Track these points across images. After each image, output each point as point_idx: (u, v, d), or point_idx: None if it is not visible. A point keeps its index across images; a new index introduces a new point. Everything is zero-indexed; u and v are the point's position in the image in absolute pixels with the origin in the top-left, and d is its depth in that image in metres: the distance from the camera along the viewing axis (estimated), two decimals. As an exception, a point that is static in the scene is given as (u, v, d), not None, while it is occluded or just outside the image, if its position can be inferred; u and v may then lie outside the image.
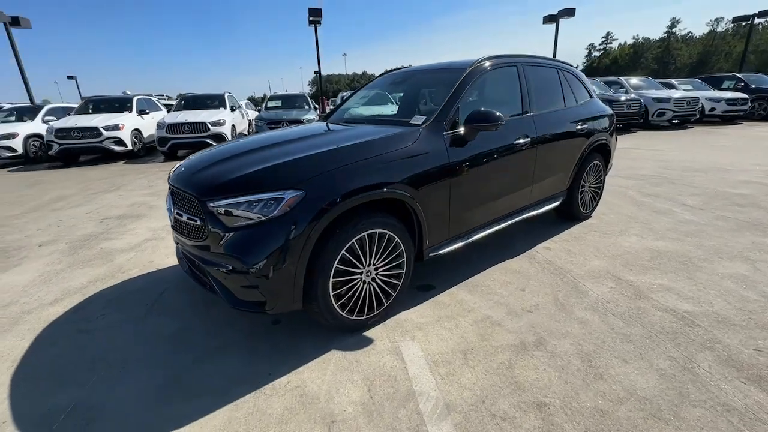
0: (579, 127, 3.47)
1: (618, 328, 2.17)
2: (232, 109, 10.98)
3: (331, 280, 1.99)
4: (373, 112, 3.53)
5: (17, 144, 9.63)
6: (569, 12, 17.67)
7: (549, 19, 18.39)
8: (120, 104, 10.68)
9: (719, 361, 1.88)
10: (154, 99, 12.40)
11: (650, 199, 4.60)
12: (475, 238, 2.76)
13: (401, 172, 2.19)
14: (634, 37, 72.69)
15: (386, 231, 2.15)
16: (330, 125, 3.00)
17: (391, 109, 3.90)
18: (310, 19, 14.35)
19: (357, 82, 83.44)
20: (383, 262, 2.22)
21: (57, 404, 1.78)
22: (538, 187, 3.22)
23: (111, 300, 2.72)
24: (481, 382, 1.80)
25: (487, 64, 2.90)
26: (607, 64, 71.83)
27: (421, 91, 3.29)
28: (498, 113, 2.46)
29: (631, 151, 8.02)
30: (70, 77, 33.33)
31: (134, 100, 10.83)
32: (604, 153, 3.98)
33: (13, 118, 10.77)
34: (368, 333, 2.22)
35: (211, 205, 1.90)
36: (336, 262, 1.98)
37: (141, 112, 10.63)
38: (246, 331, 2.28)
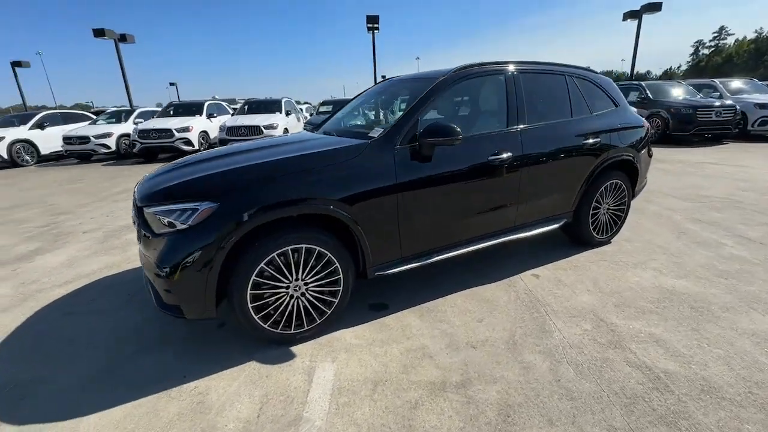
0: (589, 141, 3.05)
1: (565, 380, 1.86)
2: (287, 114, 11.67)
3: (249, 291, 2.00)
4: (357, 122, 3.49)
5: (111, 142, 11.31)
6: (654, 7, 15.54)
7: (630, 15, 16.38)
8: (194, 108, 11.98)
9: (672, 444, 1.51)
10: (224, 104, 13.68)
11: (699, 226, 3.87)
12: (436, 259, 2.58)
13: (337, 187, 2.13)
14: (756, 31, 61.98)
15: (315, 246, 2.11)
16: (300, 135, 3.03)
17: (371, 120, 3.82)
18: (368, 25, 14.70)
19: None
20: (314, 278, 2.17)
21: (8, 379, 2.04)
22: (528, 207, 2.90)
23: (105, 287, 3.06)
24: (373, 420, 1.67)
25: (464, 73, 2.69)
26: (719, 63, 62.29)
27: (394, 101, 3.17)
28: (455, 128, 2.27)
29: (707, 167, 6.83)
30: (171, 84, 38.46)
31: (205, 105, 12.06)
32: (628, 171, 3.45)
33: (113, 120, 12.68)
34: (295, 348, 2.19)
35: (146, 211, 2.03)
36: (254, 274, 1.98)
37: (210, 116, 11.82)
38: (193, 331, 2.40)
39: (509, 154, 2.65)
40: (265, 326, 2.10)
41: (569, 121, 3.08)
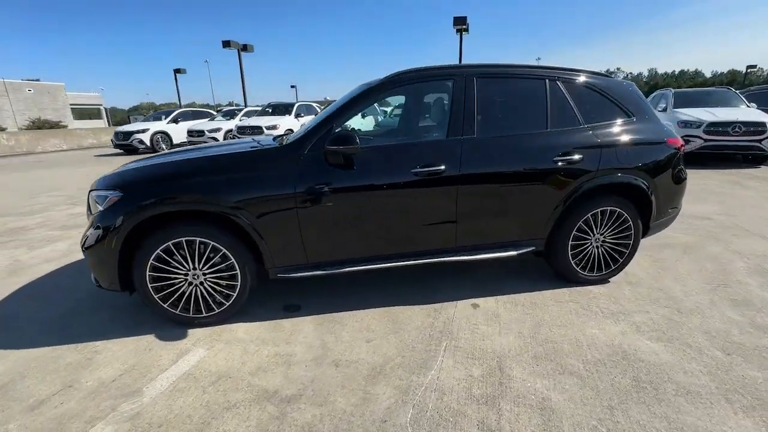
0: (566, 157, 2.56)
1: (392, 424, 1.66)
2: (297, 116, 12.80)
3: (148, 273, 2.27)
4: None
5: (220, 135, 13.42)
6: None
7: None
8: (286, 109, 13.43)
9: None
10: (315, 105, 14.98)
11: (759, 280, 2.88)
12: (351, 269, 2.50)
13: (236, 189, 2.26)
14: None
15: (209, 241, 2.27)
16: (244, 140, 3.24)
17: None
18: (456, 27, 14.27)
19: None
20: (211, 270, 2.34)
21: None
22: (473, 227, 2.58)
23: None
24: (186, 410, 1.76)
25: (399, 79, 2.53)
26: None
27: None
28: (353, 136, 2.19)
29: None
30: (292, 86, 44.06)
31: (295, 105, 13.40)
32: (635, 198, 2.78)
33: (227, 117, 15.01)
34: (191, 330, 2.40)
35: (90, 194, 2.47)
36: (152, 258, 2.25)
37: (297, 115, 13.09)
38: (136, 302, 2.78)
39: (442, 167, 2.41)
40: (165, 306, 2.35)
41: (539, 133, 2.63)
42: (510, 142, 2.58)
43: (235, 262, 2.34)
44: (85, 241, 2.27)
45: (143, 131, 13.47)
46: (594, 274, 2.86)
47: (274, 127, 11.91)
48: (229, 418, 1.70)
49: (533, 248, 2.73)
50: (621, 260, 2.88)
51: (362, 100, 2.50)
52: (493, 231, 2.65)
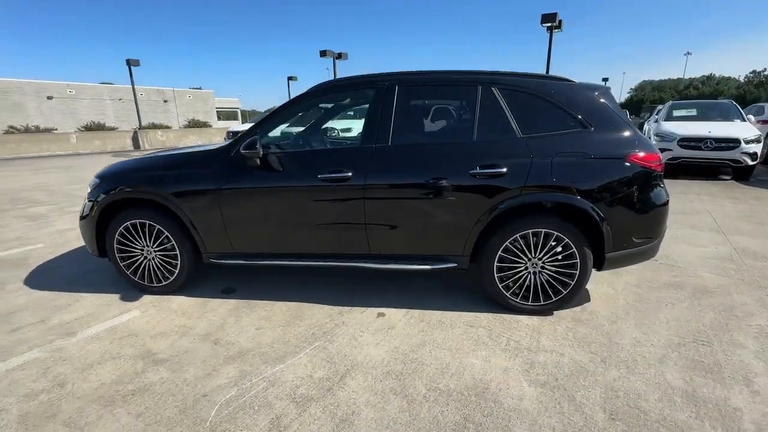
0: (484, 170, 2.35)
1: (217, 400, 1.85)
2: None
3: (115, 245, 2.87)
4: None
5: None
6: None
7: None
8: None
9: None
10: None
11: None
12: (269, 263, 2.74)
13: (176, 182, 2.70)
14: None
15: (155, 224, 2.77)
16: (213, 143, 3.69)
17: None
18: (546, 25, 12.87)
19: (693, 89, 63.76)
20: (158, 248, 2.84)
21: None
22: (386, 236, 2.56)
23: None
24: (82, 353, 2.24)
25: (324, 88, 2.66)
26: None
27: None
28: (254, 142, 2.44)
29: None
30: None
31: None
32: (581, 222, 2.39)
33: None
34: (145, 296, 2.93)
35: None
36: (117, 234, 2.83)
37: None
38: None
39: (349, 174, 2.47)
40: (127, 273, 2.93)
41: (458, 143, 2.48)
42: (422, 152, 2.49)
43: (175, 245, 2.80)
44: (80, 214, 2.99)
45: (247, 130, 15.76)
46: (529, 304, 2.54)
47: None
48: (108, 365, 2.12)
49: (454, 265, 2.57)
50: (564, 292, 2.50)
51: (286, 109, 2.71)
52: (406, 242, 2.58)
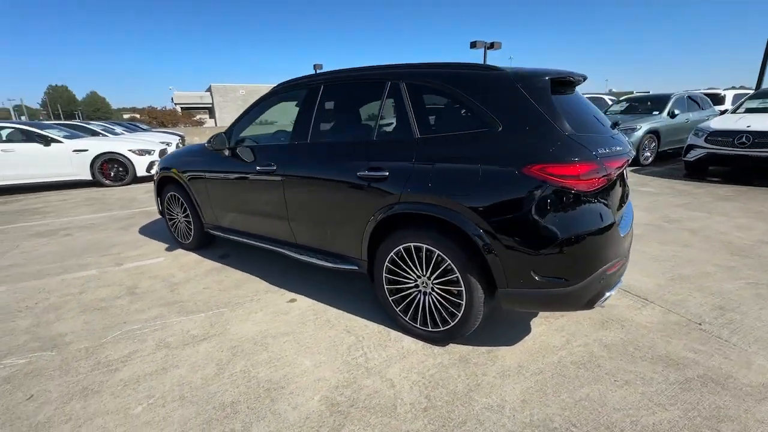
0: (370, 173, 2.21)
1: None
2: None
3: (165, 209, 3.96)
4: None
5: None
6: None
7: None
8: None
9: None
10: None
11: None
12: (239, 240, 3.26)
13: (188, 165, 3.53)
14: None
15: (180, 197, 3.68)
16: None
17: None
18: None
19: None
20: (184, 215, 3.76)
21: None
22: (304, 229, 2.72)
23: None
24: (109, 277, 3.28)
25: (280, 87, 2.92)
26: None
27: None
28: (221, 139, 2.97)
29: None
30: None
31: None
32: (464, 244, 1.97)
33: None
34: (180, 249, 3.94)
35: None
36: (164, 201, 3.90)
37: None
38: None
39: (274, 167, 2.74)
40: (171, 231, 4.00)
41: (356, 143, 2.36)
42: (330, 150, 2.50)
43: (189, 213, 3.66)
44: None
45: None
46: (418, 327, 2.26)
47: None
48: (109, 289, 3.08)
49: (355, 267, 2.51)
50: (452, 323, 2.11)
51: (254, 107, 3.11)
52: (318, 237, 2.66)
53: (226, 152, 3.09)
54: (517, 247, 1.81)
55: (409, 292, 2.27)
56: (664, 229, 4.08)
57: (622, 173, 2.09)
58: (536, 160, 1.76)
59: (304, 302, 2.76)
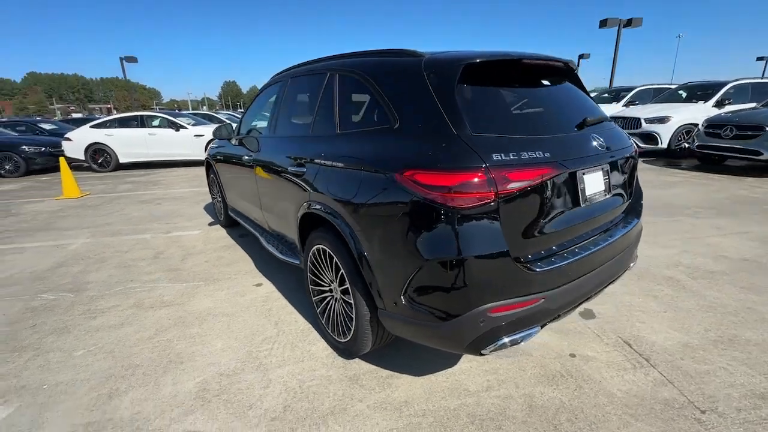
0: (295, 168, 2.16)
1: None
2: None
3: (212, 190, 4.56)
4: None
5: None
6: None
7: None
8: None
9: None
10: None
11: None
12: (246, 226, 3.56)
13: (214, 152, 3.98)
14: None
15: (214, 177, 4.20)
16: None
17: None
18: None
19: None
20: (219, 196, 4.28)
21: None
22: (271, 219, 2.82)
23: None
24: (156, 241, 3.97)
25: (271, 80, 3.01)
26: None
27: None
28: (225, 128, 3.26)
29: None
30: (760, 58, 33.43)
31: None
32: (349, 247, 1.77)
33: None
34: (218, 224, 4.51)
35: None
36: (211, 182, 4.50)
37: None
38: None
39: (252, 155, 2.89)
40: (214, 209, 4.59)
41: (302, 137, 2.31)
42: (278, 143, 2.51)
43: (221, 194, 4.14)
44: (210, 168, 4.87)
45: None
46: (331, 334, 2.14)
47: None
48: (147, 251, 3.74)
49: (297, 262, 2.50)
50: (347, 338, 1.94)
51: (254, 100, 3.28)
52: (281, 229, 2.70)
53: (233, 141, 3.38)
54: (384, 264, 1.56)
55: (325, 295, 2.16)
56: (762, 266, 2.90)
57: (574, 184, 1.58)
58: (410, 165, 1.46)
59: (265, 289, 2.88)
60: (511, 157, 1.39)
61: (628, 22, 14.89)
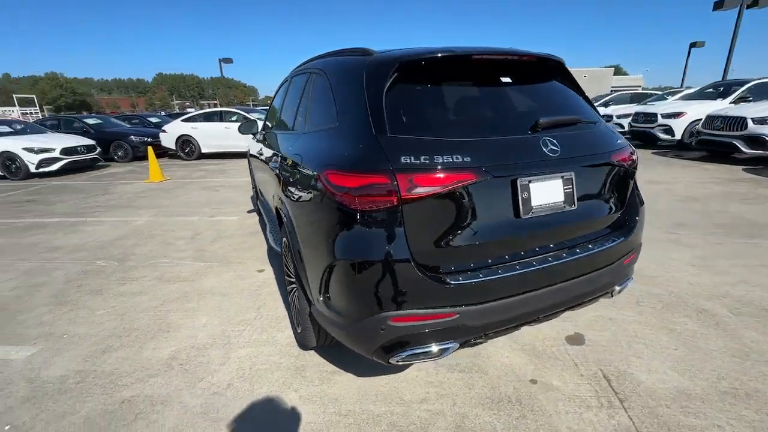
0: (274, 165, 2.31)
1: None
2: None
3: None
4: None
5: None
6: None
7: None
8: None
9: None
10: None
11: None
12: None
13: (251, 145, 4.32)
14: None
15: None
16: None
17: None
18: None
19: None
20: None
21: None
22: (263, 209, 3.01)
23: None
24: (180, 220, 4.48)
25: (282, 80, 3.17)
26: None
27: None
28: (251, 125, 3.53)
29: None
30: None
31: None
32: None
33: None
34: (253, 213, 4.91)
35: None
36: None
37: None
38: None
39: (256, 149, 3.11)
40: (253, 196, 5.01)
41: (291, 132, 2.40)
42: (272, 139, 2.67)
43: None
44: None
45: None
46: (296, 327, 2.23)
47: (673, 116, 9.14)
48: (186, 231, 4.23)
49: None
50: (300, 329, 2.02)
51: (276, 93, 3.48)
52: (269, 219, 2.88)
53: (258, 135, 3.64)
54: (310, 261, 1.60)
55: (292, 286, 2.25)
56: None
57: (513, 193, 1.43)
58: (329, 165, 1.47)
59: (265, 275, 3.08)
60: (422, 161, 1.31)
61: (754, 2, 12.37)
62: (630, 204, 1.82)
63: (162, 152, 10.80)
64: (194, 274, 3.13)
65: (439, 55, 1.51)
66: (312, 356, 2.07)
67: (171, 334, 2.31)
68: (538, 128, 1.51)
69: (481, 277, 1.39)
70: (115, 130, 11.10)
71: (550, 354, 2.02)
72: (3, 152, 8.01)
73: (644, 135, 9.95)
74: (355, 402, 1.74)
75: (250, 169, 4.44)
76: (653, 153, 9.15)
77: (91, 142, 9.35)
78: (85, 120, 11.51)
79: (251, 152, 3.98)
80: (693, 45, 21.20)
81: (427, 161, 1.32)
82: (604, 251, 1.63)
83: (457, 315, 1.38)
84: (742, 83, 9.43)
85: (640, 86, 43.78)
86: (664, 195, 5.09)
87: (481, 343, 1.78)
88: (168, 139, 10.49)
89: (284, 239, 2.13)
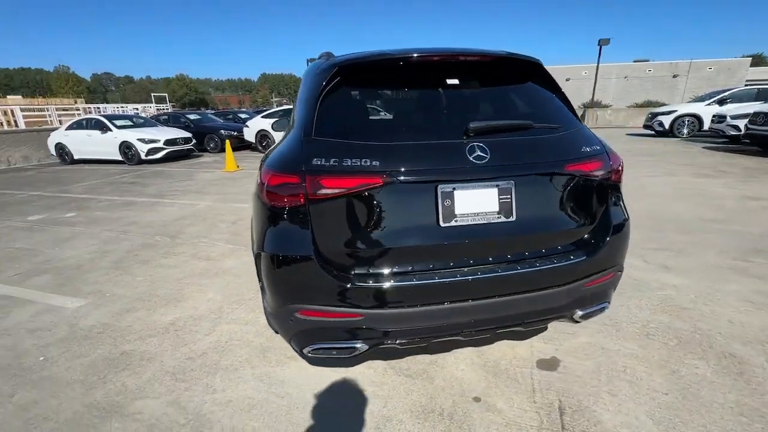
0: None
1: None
2: None
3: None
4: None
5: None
6: None
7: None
8: None
9: None
10: None
11: None
12: None
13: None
14: None
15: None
16: None
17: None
18: None
19: None
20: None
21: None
22: None
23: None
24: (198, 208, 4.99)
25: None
26: None
27: None
28: (282, 123, 3.84)
29: None
30: None
31: None
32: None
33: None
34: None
35: None
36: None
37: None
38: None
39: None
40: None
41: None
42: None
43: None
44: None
45: (668, 113, 12.62)
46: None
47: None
48: (229, 215, 4.75)
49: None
50: (269, 312, 2.18)
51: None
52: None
53: (290, 133, 3.93)
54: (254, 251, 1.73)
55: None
56: None
57: (431, 199, 1.39)
58: (267, 165, 1.58)
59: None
60: (332, 163, 1.36)
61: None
62: (602, 221, 1.60)
63: (245, 145, 12.11)
64: (220, 255, 3.54)
65: (378, 58, 1.52)
66: (282, 341, 2.23)
67: (180, 304, 2.67)
68: (469, 134, 1.43)
69: (391, 282, 1.38)
70: (209, 124, 12.74)
71: (510, 375, 1.89)
72: (123, 142, 9.79)
73: (765, 140, 8.24)
74: (297, 387, 1.85)
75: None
76: (772, 162, 7.52)
77: (188, 134, 10.89)
78: (188, 116, 13.41)
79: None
80: None
81: (336, 163, 1.36)
82: (553, 269, 1.48)
83: (363, 317, 1.40)
84: None
85: (783, 79, 35.73)
86: (761, 215, 4.19)
87: (398, 348, 1.74)
88: (249, 133, 11.69)
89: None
